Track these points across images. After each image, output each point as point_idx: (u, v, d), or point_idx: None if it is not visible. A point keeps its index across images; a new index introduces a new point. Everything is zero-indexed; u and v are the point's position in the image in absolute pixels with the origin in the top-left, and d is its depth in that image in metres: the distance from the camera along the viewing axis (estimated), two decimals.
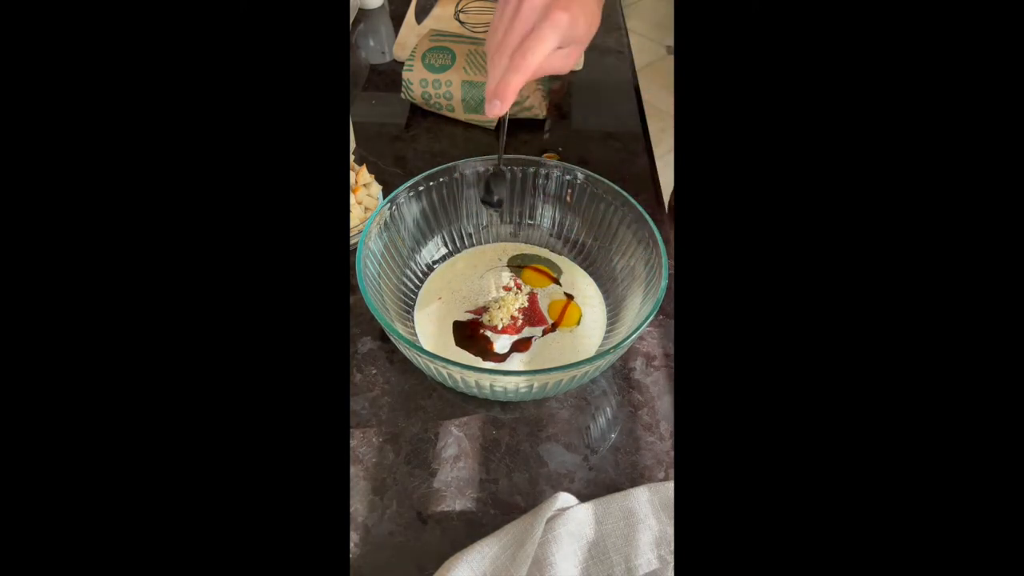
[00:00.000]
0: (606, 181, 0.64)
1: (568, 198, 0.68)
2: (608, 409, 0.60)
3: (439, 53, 0.83)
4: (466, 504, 0.54)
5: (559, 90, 0.91)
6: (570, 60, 0.55)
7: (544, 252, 0.70)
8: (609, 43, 1.00)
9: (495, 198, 0.63)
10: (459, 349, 0.62)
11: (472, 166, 0.66)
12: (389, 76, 0.93)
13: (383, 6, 1.04)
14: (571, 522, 0.50)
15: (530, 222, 0.71)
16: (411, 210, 0.65)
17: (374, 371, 0.62)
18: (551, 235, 0.70)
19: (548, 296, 0.66)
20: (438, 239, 0.69)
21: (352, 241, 0.68)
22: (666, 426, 0.58)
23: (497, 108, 0.53)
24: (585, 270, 0.68)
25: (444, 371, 0.53)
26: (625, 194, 0.63)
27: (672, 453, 0.57)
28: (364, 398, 0.60)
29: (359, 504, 0.53)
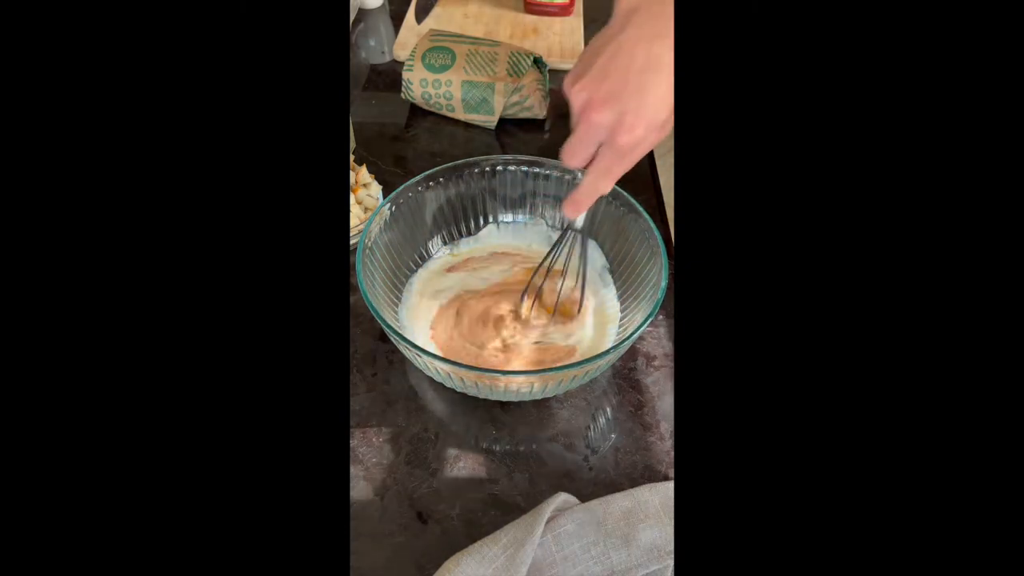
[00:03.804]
0: None
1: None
2: (608, 409, 0.60)
3: (439, 53, 0.83)
4: (466, 504, 0.54)
5: (559, 90, 0.91)
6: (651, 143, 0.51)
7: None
8: None
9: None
10: (460, 347, 0.62)
11: (472, 166, 0.67)
12: (389, 76, 0.93)
13: (383, 6, 1.04)
14: (571, 522, 0.50)
15: (530, 222, 0.71)
16: (411, 210, 0.65)
17: (374, 371, 0.62)
18: (551, 235, 0.70)
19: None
20: (438, 239, 0.69)
21: (352, 241, 0.68)
22: (666, 426, 0.58)
23: (570, 213, 0.55)
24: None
25: (444, 371, 0.53)
26: (625, 194, 0.63)
27: (672, 453, 0.57)
28: (364, 398, 0.60)
29: (359, 504, 0.53)
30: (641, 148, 0.48)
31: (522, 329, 0.62)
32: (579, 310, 0.63)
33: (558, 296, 0.63)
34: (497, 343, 0.61)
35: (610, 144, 0.48)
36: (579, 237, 0.60)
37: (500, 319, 0.62)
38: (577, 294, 0.63)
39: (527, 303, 0.63)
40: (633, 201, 0.62)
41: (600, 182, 0.51)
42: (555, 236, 0.70)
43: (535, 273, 0.63)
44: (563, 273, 0.63)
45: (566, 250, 0.61)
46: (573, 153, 0.50)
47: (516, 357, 0.60)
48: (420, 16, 0.99)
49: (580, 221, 0.58)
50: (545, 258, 0.62)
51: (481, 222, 0.71)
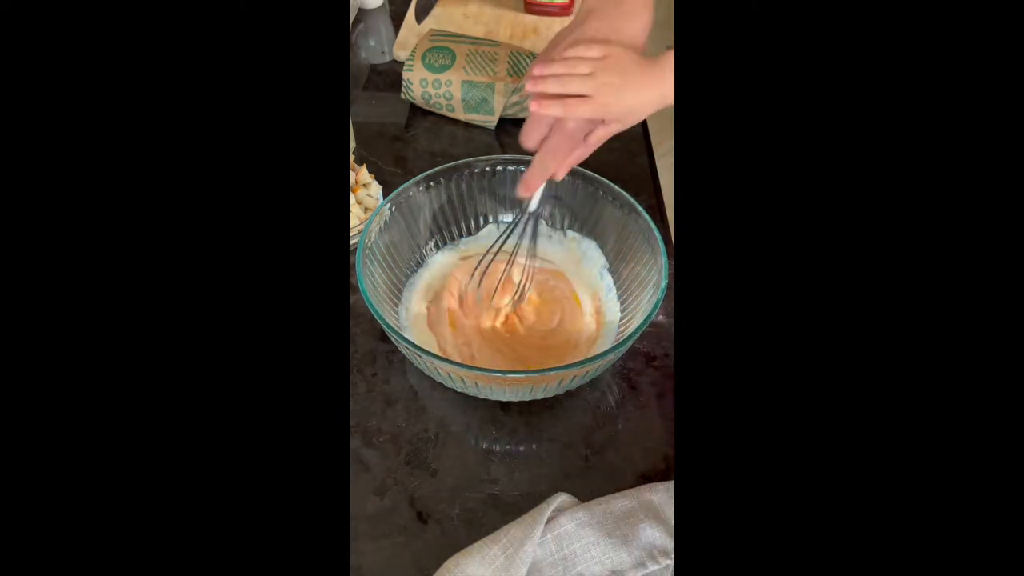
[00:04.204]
0: (606, 181, 0.64)
1: (568, 198, 0.68)
2: (608, 409, 0.60)
3: (439, 53, 0.83)
4: (466, 504, 0.54)
5: None
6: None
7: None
8: None
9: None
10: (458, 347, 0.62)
11: (472, 166, 0.67)
12: (389, 76, 0.93)
13: (383, 6, 1.04)
14: (571, 522, 0.50)
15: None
16: (411, 210, 0.65)
17: (374, 371, 0.62)
18: (551, 234, 0.70)
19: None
20: (438, 238, 0.69)
21: (352, 241, 0.68)
22: (666, 426, 0.58)
23: (522, 192, 0.59)
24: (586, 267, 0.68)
25: (444, 371, 0.53)
26: (625, 194, 0.63)
27: (672, 453, 0.57)
28: (364, 398, 0.60)
29: (359, 504, 0.53)
30: (593, 137, 0.55)
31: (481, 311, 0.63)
32: (519, 294, 0.63)
33: (521, 284, 0.63)
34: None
35: (559, 127, 0.54)
36: (531, 220, 0.62)
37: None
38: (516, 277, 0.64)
39: (474, 284, 0.64)
40: (633, 201, 0.62)
41: (549, 161, 0.56)
42: (555, 236, 0.70)
43: (483, 257, 0.64)
44: (513, 256, 0.63)
45: (518, 233, 0.63)
46: (528, 134, 0.56)
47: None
48: (420, 16, 0.99)
49: (534, 203, 0.60)
50: (497, 240, 0.64)
51: (481, 222, 0.71)
